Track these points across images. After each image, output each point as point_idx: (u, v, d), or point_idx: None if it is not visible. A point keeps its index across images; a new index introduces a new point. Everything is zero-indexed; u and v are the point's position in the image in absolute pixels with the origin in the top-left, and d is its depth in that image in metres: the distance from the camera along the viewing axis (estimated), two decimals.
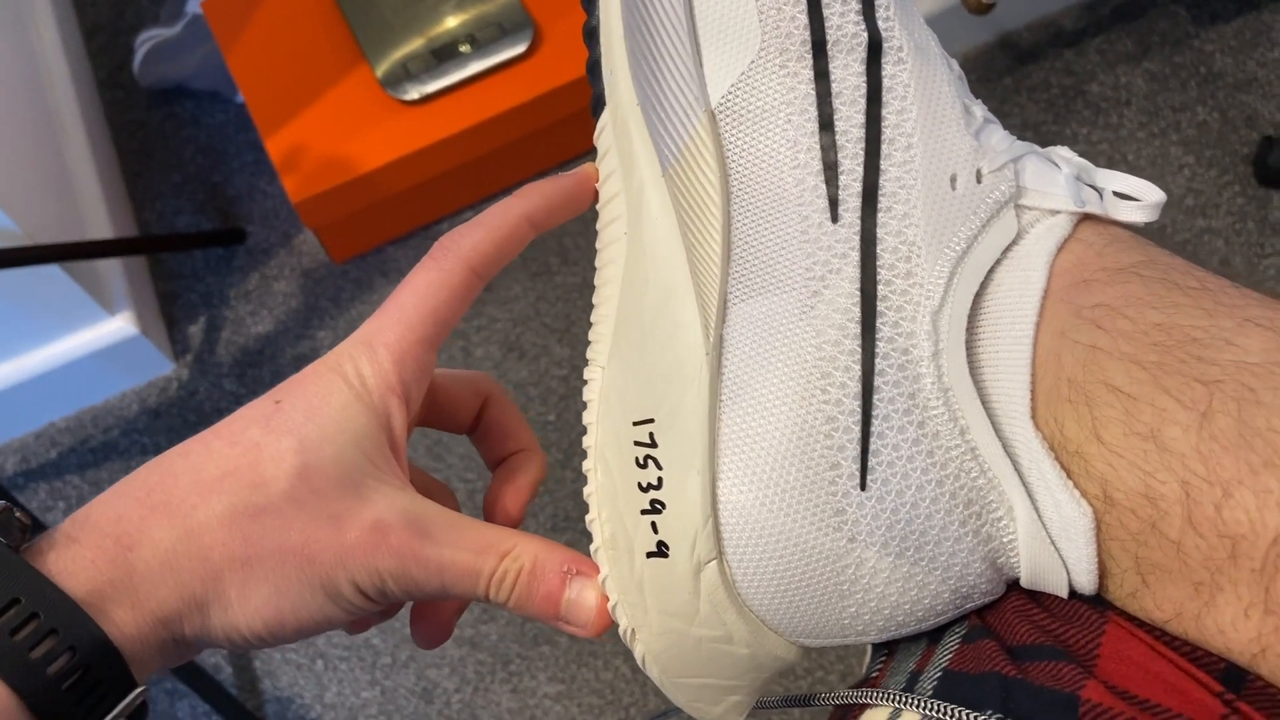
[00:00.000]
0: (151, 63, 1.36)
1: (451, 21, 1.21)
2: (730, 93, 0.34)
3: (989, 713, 0.28)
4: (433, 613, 0.38)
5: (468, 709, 1.12)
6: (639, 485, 0.33)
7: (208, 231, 1.32)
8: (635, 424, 0.33)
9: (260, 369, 1.27)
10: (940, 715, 0.29)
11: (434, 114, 1.19)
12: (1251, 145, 1.29)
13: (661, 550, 0.32)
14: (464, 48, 1.20)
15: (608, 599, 0.34)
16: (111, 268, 1.21)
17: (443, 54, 1.20)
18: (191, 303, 1.30)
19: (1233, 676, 0.28)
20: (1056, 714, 0.27)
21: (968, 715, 0.29)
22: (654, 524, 0.32)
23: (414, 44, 1.21)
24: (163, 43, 1.34)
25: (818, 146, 0.32)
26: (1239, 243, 1.25)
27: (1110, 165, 1.29)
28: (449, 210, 1.33)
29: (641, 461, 0.33)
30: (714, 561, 0.32)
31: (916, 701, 0.30)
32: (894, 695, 0.31)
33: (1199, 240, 1.25)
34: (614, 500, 0.33)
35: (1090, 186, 0.32)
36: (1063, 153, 0.33)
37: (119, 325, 1.19)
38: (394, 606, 0.36)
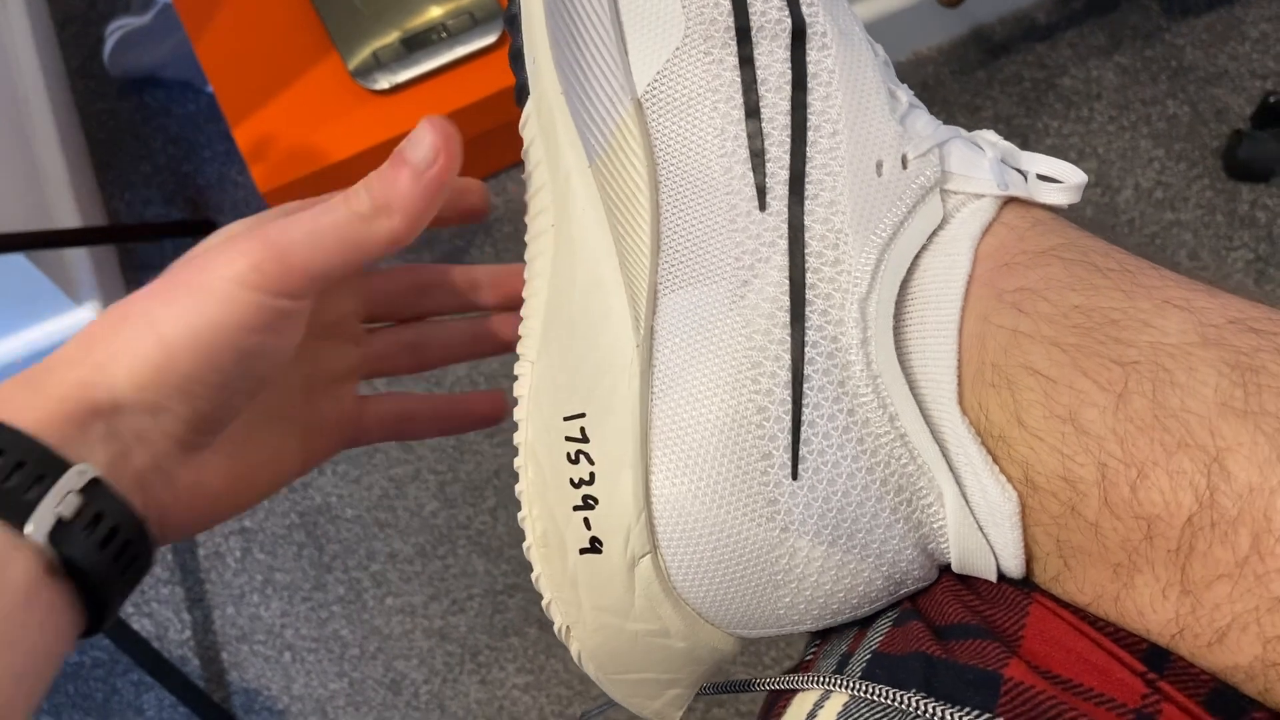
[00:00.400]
0: (121, 52, 1.35)
1: (422, 10, 1.21)
2: (656, 80, 0.33)
3: (913, 691, 0.28)
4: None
5: (436, 700, 1.12)
6: (571, 481, 0.32)
7: (177, 221, 1.31)
8: (566, 419, 0.33)
9: None
10: (866, 695, 0.29)
11: (405, 103, 1.19)
12: (1221, 138, 1.30)
13: (595, 546, 0.32)
14: (435, 37, 1.19)
15: (444, 134, 0.34)
16: (79, 257, 1.20)
17: (413, 43, 1.19)
18: None
19: (1155, 656, 0.28)
20: (979, 692, 0.28)
21: (892, 694, 0.29)
22: (586, 520, 0.32)
23: (384, 33, 1.20)
24: (133, 32, 1.33)
25: (744, 134, 0.32)
26: (1207, 235, 1.25)
27: (1080, 158, 1.29)
28: None
29: (573, 457, 0.32)
30: (648, 556, 0.32)
31: (844, 683, 0.30)
32: (823, 679, 0.31)
33: (1167, 233, 1.26)
34: (545, 496, 0.33)
35: (1015, 170, 0.32)
36: (989, 136, 0.33)
37: (86, 315, 1.18)
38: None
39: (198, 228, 1.30)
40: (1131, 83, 1.33)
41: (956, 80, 1.35)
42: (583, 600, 0.33)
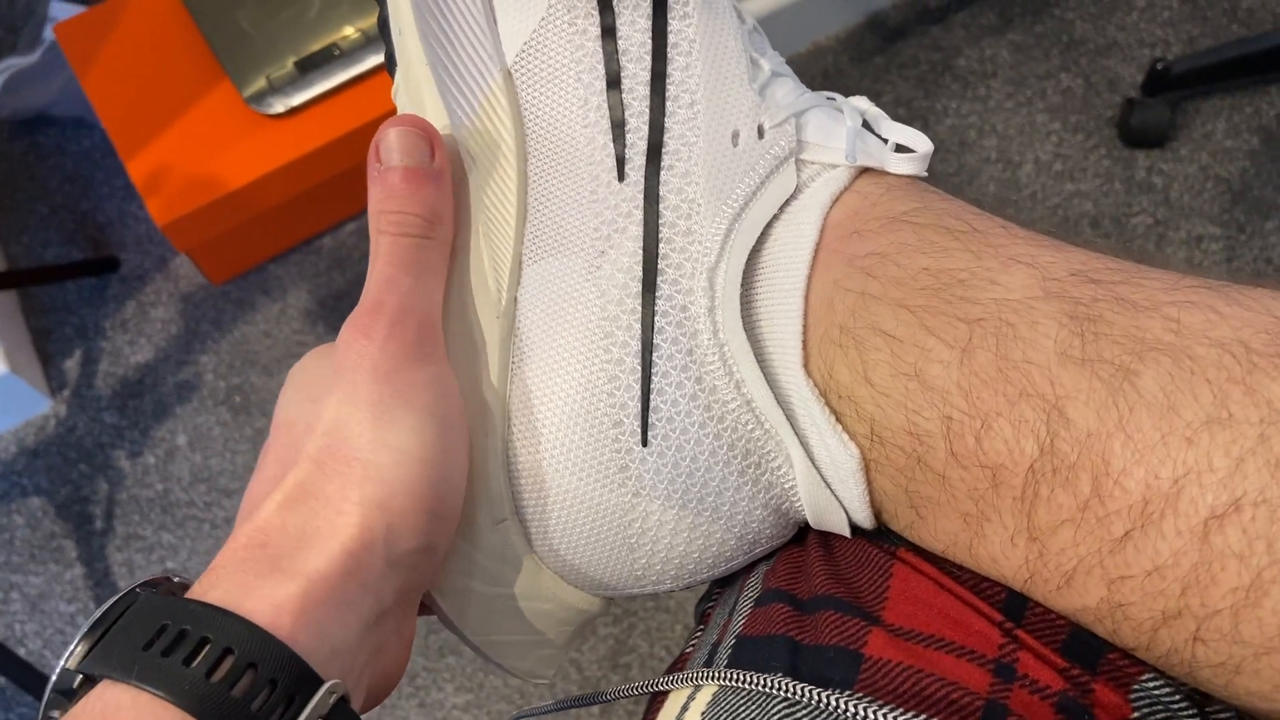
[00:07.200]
0: (11, 92, 1.32)
1: (315, 31, 1.19)
2: (523, 51, 0.33)
3: (778, 675, 0.28)
4: None
5: None
6: None
7: (79, 262, 1.28)
8: None
9: (141, 399, 1.23)
10: (733, 683, 0.29)
11: (301, 126, 1.17)
12: (1114, 108, 1.32)
13: None
14: (328, 57, 1.18)
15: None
16: None
17: (307, 64, 1.18)
18: (66, 336, 1.26)
19: (1015, 605, 0.28)
20: (840, 670, 0.28)
21: (756, 678, 0.29)
22: None
23: (277, 56, 1.18)
24: (21, 71, 1.30)
25: (606, 105, 0.32)
26: (1107, 204, 1.28)
27: (979, 136, 1.31)
28: (328, 224, 1.31)
29: None
30: (507, 522, 0.32)
31: (710, 675, 0.30)
32: (689, 676, 0.31)
33: (1069, 203, 1.28)
34: None
35: (879, 137, 0.33)
36: (858, 104, 0.33)
37: None
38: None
39: (100, 266, 1.27)
40: (1025, 59, 1.36)
41: (856, 67, 1.37)
42: (448, 567, 0.33)
